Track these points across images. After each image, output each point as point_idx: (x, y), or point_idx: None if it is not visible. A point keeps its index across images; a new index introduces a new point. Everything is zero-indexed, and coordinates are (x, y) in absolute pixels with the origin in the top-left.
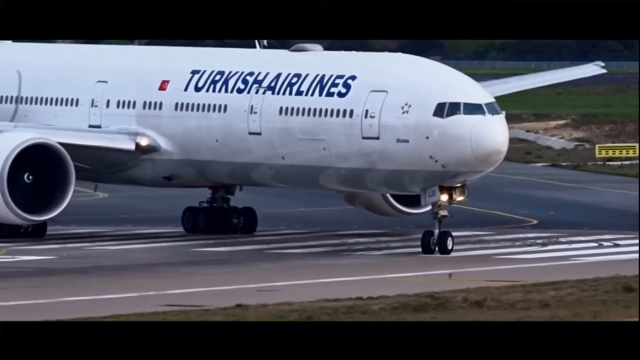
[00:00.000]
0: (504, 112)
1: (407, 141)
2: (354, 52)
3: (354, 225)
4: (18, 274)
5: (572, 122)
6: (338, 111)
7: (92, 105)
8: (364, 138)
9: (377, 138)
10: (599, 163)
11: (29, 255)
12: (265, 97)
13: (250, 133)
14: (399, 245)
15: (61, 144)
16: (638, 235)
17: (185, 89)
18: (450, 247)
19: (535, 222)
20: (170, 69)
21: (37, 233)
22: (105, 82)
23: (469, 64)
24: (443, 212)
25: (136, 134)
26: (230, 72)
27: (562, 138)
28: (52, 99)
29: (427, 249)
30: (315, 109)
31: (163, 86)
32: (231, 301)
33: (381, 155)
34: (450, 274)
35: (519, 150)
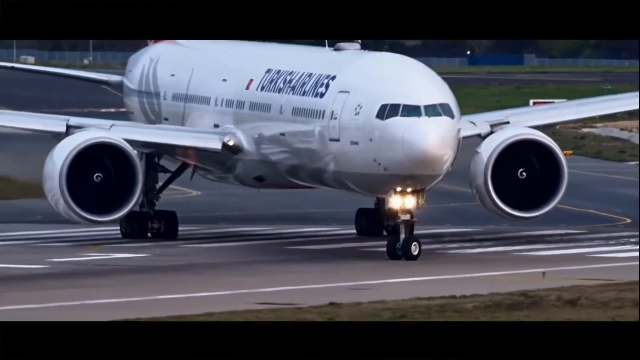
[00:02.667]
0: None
1: (357, 143)
2: (363, 51)
3: (447, 224)
4: (112, 271)
5: None
6: (317, 112)
7: (215, 104)
8: (330, 140)
9: (338, 140)
10: None
11: (123, 253)
12: (287, 97)
13: (280, 134)
14: (491, 244)
15: (153, 143)
16: (638, 239)
17: (256, 88)
18: (415, 253)
19: (628, 220)
20: (255, 67)
21: (168, 234)
22: (225, 80)
23: (564, 62)
24: (404, 217)
25: (227, 133)
26: (280, 70)
27: None
28: (197, 97)
29: (393, 255)
30: (308, 110)
31: (249, 85)
32: (324, 299)
33: (342, 157)
34: (544, 273)
35: (613, 149)
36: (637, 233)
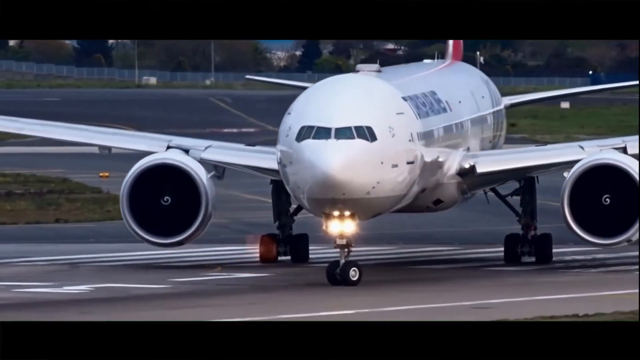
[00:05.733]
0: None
1: (286, 166)
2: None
3: (570, 242)
4: (234, 291)
5: None
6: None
7: None
8: (278, 163)
9: (280, 162)
10: None
11: (245, 272)
12: None
13: None
14: (615, 263)
15: (239, 165)
16: (638, 243)
17: None
18: (354, 279)
19: None
20: None
21: (298, 257)
22: None
23: None
24: (340, 242)
25: None
26: None
27: None
28: None
29: (332, 280)
30: None
31: None
32: (446, 318)
33: (284, 180)
34: None
35: None
36: None
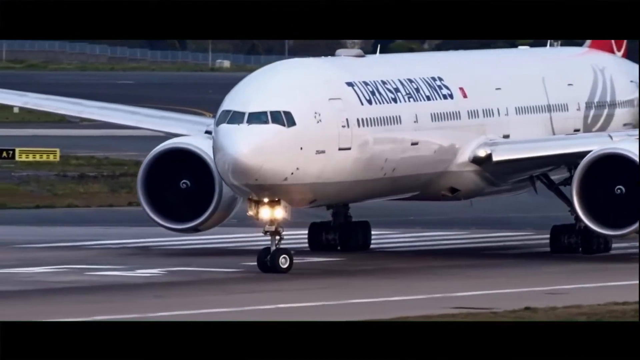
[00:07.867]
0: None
1: (213, 151)
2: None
3: None
4: (306, 275)
5: None
6: None
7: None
8: None
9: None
10: None
11: (317, 257)
12: None
13: None
14: None
15: None
16: (638, 241)
17: None
18: (284, 266)
19: None
20: None
21: (346, 246)
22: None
23: None
24: (269, 228)
25: None
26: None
27: None
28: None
29: (263, 267)
30: None
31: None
32: (520, 304)
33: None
34: None
35: None
36: None
